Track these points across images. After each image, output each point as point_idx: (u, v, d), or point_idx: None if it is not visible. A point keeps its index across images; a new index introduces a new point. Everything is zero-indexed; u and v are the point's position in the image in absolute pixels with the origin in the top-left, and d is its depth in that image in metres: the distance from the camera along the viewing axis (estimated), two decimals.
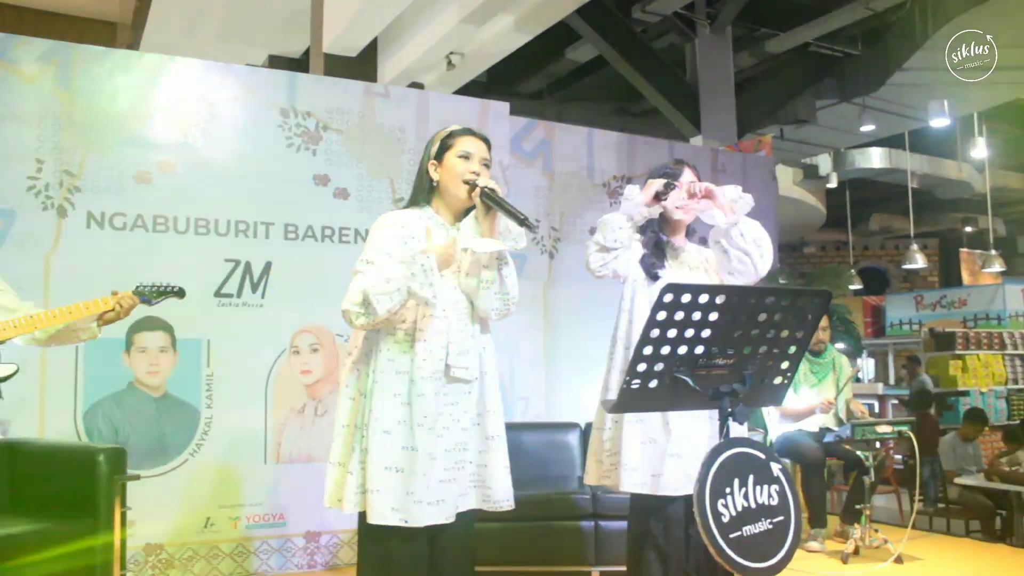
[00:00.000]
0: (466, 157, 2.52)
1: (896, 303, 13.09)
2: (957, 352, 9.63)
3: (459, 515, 2.48)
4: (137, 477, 3.39)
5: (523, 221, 2.36)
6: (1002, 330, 10.58)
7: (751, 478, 2.14)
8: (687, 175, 2.95)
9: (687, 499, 2.75)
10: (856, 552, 4.43)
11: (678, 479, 2.73)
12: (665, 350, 2.12)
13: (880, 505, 7.25)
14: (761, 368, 2.27)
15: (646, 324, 2.07)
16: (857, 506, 4.59)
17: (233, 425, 4.17)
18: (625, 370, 2.19)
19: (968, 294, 12.17)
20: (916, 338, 11.17)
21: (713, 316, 2.12)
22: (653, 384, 2.17)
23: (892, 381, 11.68)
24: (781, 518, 2.16)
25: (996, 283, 12.65)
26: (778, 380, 2.34)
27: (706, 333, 2.14)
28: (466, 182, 2.48)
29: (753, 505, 2.12)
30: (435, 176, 2.56)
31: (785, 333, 2.24)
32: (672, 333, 2.10)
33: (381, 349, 2.46)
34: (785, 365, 2.31)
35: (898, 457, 7.24)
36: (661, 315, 2.06)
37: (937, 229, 16.52)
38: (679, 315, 2.08)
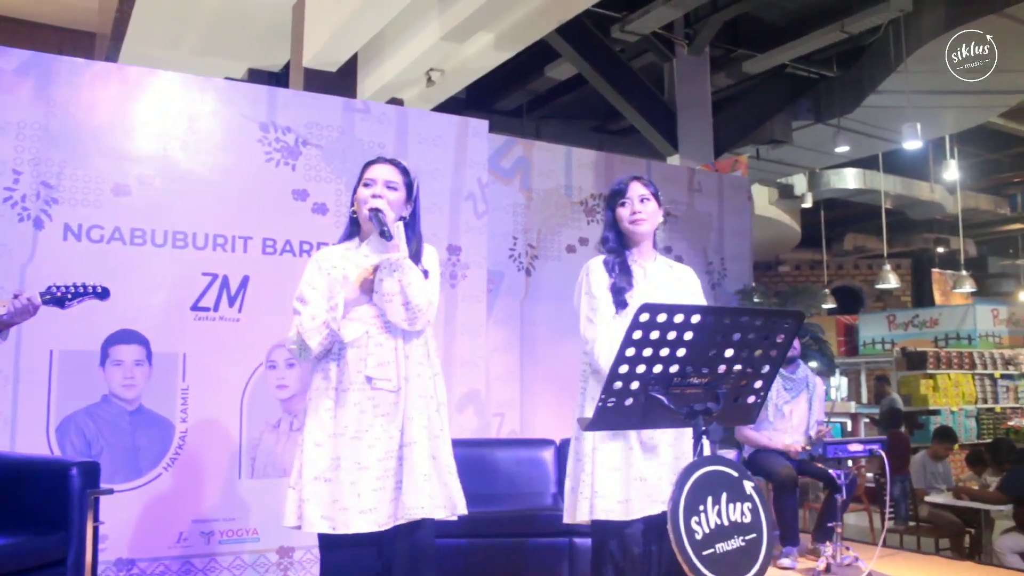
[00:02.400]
0: (368, 184, 2.74)
1: (869, 322, 13.25)
2: (928, 371, 9.76)
3: (406, 525, 2.60)
4: (110, 491, 3.36)
5: (383, 233, 2.60)
6: (972, 350, 10.73)
7: (724, 496, 2.17)
8: (635, 188, 2.97)
9: (646, 519, 2.78)
10: (827, 570, 4.46)
11: (643, 502, 2.75)
12: (640, 369, 2.15)
13: (851, 523, 7.32)
14: (735, 387, 2.31)
15: (621, 343, 2.10)
16: (829, 524, 4.62)
17: (208, 439, 4.15)
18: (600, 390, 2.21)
19: (940, 314, 12.34)
20: (888, 357, 11.30)
21: (688, 335, 2.15)
22: (628, 402, 2.20)
23: (864, 400, 11.79)
24: (753, 535, 2.19)
25: (967, 303, 12.83)
26: (751, 399, 2.38)
27: (681, 352, 2.17)
28: (364, 204, 2.71)
29: (726, 523, 2.15)
30: (355, 208, 2.80)
31: (759, 352, 2.27)
32: (647, 352, 2.13)
33: (315, 370, 2.72)
34: (758, 384, 2.35)
35: (869, 475, 7.30)
36: (636, 334, 2.09)
37: (910, 249, 16.73)
38: (654, 334, 2.11)
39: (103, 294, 3.12)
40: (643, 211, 2.92)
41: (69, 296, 3.05)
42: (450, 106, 8.62)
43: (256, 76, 8.64)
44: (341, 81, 7.26)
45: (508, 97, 10.70)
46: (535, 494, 4.49)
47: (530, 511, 4.15)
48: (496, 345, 5.34)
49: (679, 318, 2.11)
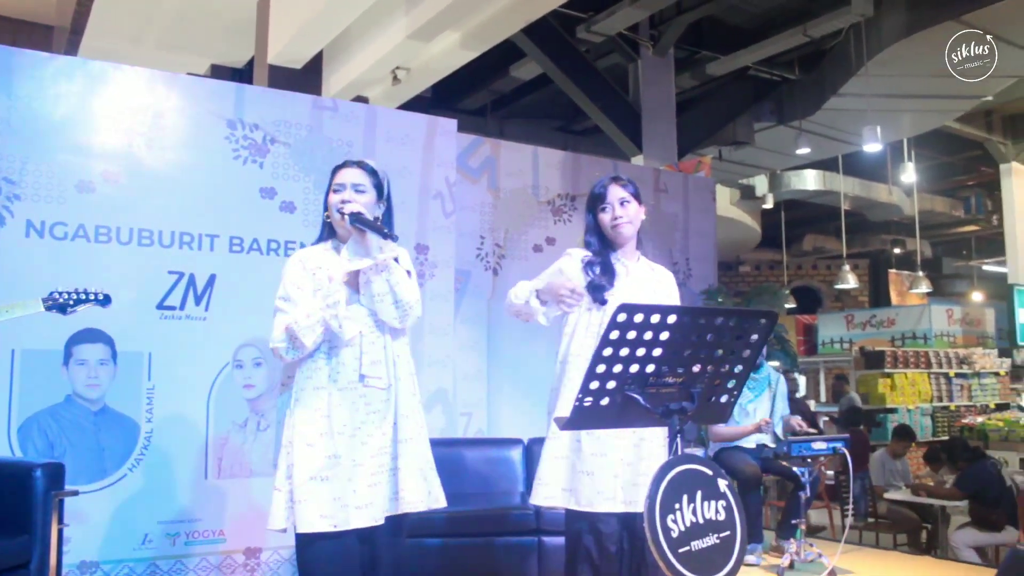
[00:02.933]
0: (337, 190, 2.76)
1: (828, 322, 13.44)
2: (886, 370, 9.92)
3: (395, 518, 2.69)
4: (75, 493, 3.32)
5: (386, 234, 2.65)
6: (928, 349, 10.93)
7: (699, 494, 2.19)
8: (615, 191, 2.97)
9: (620, 516, 2.81)
10: (791, 566, 4.52)
11: (588, 495, 2.78)
12: (617, 368, 2.16)
13: (811, 520, 7.42)
14: (709, 386, 2.33)
15: (599, 343, 2.11)
16: (793, 521, 4.69)
17: (174, 439, 4.10)
18: (576, 389, 2.22)
19: (896, 314, 12.56)
20: (847, 356, 11.47)
21: (664, 335, 2.17)
22: (605, 401, 2.21)
23: (823, 398, 11.96)
24: (727, 533, 2.21)
25: (922, 303, 13.07)
26: (725, 398, 2.40)
27: (657, 352, 2.19)
28: (338, 211, 2.72)
29: (701, 520, 2.17)
30: (328, 212, 2.82)
31: (732, 352, 2.30)
32: (624, 352, 2.14)
33: (301, 369, 2.71)
34: (732, 384, 2.38)
35: (829, 473, 7.41)
36: (614, 334, 2.10)
37: (867, 250, 17.02)
38: (631, 334, 2.12)
39: (104, 301, 3.12)
40: (624, 215, 2.93)
41: (72, 303, 3.04)
42: (415, 105, 8.61)
43: (219, 72, 8.54)
44: (306, 78, 7.21)
45: (473, 96, 10.71)
46: (504, 493, 4.50)
47: (499, 510, 4.17)
48: (463, 344, 5.34)
49: (656, 318, 2.12)
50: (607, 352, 2.13)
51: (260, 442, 4.29)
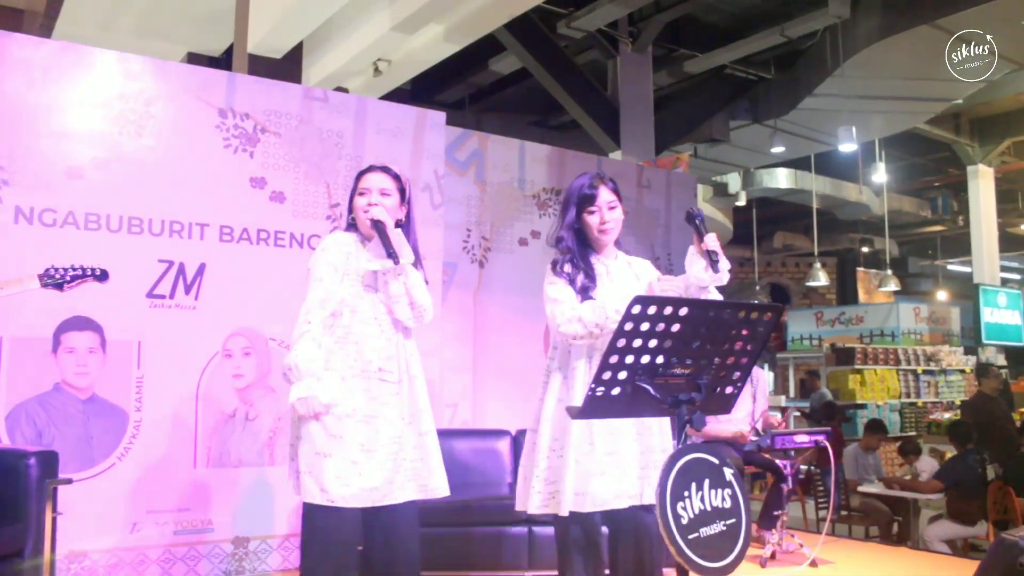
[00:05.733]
0: (363, 193, 2.92)
1: (797, 319, 13.63)
2: (856, 367, 10.08)
3: (403, 504, 2.83)
4: (69, 481, 3.31)
5: (390, 254, 2.76)
6: (896, 346, 11.13)
7: (706, 482, 2.24)
8: (604, 194, 2.92)
9: (608, 513, 2.80)
10: (773, 557, 4.60)
11: (604, 496, 2.74)
12: (629, 359, 2.21)
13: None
14: (715, 377, 2.38)
15: (614, 334, 2.15)
16: (775, 512, 4.77)
17: (163, 428, 4.08)
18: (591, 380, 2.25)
19: (865, 311, 12.76)
20: (817, 352, 11.64)
21: (675, 327, 2.21)
22: (616, 392, 2.25)
23: (792, 394, 12.13)
24: (733, 520, 2.26)
25: (889, 302, 13.30)
26: (729, 389, 2.45)
27: (667, 343, 2.23)
28: (364, 214, 2.90)
29: (709, 508, 2.22)
30: (353, 215, 2.98)
31: (739, 344, 2.35)
32: (637, 343, 2.18)
33: (327, 356, 2.83)
34: (736, 375, 2.43)
35: (803, 467, 7.53)
36: (628, 326, 2.14)
37: (835, 248, 17.26)
38: (644, 326, 2.16)
39: (102, 276, 3.11)
40: (611, 219, 2.89)
41: (69, 279, 3.02)
42: (394, 97, 8.57)
43: (196, 60, 8.44)
44: (286, 68, 7.17)
45: (451, 89, 10.71)
46: (494, 484, 4.54)
47: (489, 500, 4.20)
48: (449, 336, 5.35)
49: (668, 310, 2.17)
50: (620, 343, 2.17)
51: (249, 432, 4.29)
